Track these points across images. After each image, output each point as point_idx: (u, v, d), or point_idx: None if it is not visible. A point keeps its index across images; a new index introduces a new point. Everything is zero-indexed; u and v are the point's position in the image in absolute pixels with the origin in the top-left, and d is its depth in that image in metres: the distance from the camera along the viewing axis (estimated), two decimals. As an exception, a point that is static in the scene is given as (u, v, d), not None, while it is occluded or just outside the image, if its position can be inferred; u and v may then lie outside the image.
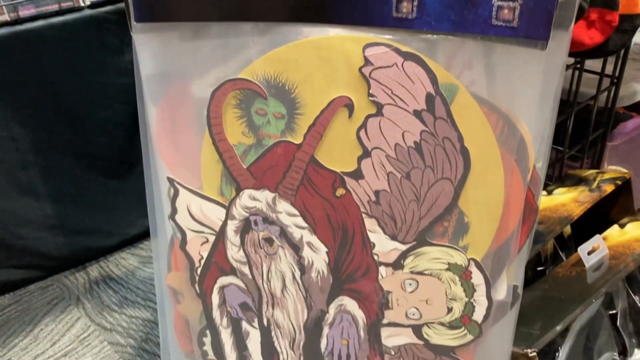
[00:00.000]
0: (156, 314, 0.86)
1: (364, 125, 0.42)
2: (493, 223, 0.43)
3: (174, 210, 0.48)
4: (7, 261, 0.93)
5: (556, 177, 0.86)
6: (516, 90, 0.40)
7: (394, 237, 0.45)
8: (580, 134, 0.85)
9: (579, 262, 0.66)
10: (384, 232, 0.45)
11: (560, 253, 0.72)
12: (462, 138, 0.41)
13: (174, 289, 0.53)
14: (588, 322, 0.62)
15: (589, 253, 0.64)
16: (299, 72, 0.41)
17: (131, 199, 0.99)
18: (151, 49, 0.44)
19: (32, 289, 0.95)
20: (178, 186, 0.47)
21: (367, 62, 0.40)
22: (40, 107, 0.87)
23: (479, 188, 0.42)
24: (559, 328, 0.54)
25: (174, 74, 0.44)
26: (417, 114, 0.40)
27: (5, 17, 0.81)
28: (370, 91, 0.40)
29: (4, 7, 0.81)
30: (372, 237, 0.45)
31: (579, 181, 0.77)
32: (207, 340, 0.53)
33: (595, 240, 0.65)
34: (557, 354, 0.59)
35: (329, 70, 0.41)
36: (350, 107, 0.41)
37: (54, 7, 0.85)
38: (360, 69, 0.40)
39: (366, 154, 0.42)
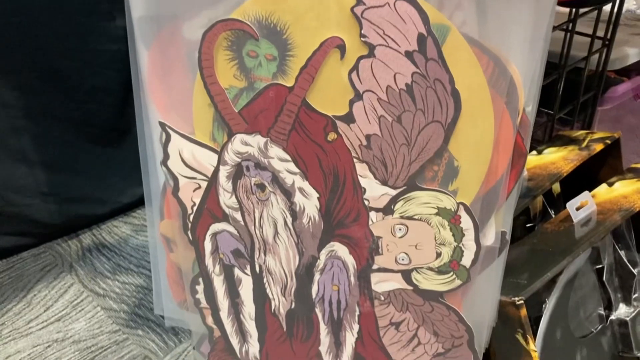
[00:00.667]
0: (149, 280, 0.88)
1: (355, 67, 0.42)
2: (482, 166, 0.44)
3: (166, 156, 0.48)
4: (0, 228, 0.92)
5: (546, 140, 0.86)
6: (507, 30, 0.40)
7: (384, 182, 0.45)
8: (570, 97, 0.85)
9: (568, 218, 0.66)
10: (375, 177, 0.45)
11: (549, 210, 0.72)
12: (453, 80, 0.41)
13: (166, 237, 0.53)
14: (574, 276, 0.63)
15: (578, 209, 0.65)
16: (290, 12, 0.41)
17: (124, 167, 0.99)
18: (142, -9, 0.44)
19: (24, 255, 0.95)
20: (170, 131, 0.47)
21: (359, 1, 0.40)
22: (30, 72, 0.86)
23: (469, 131, 0.43)
24: (546, 277, 0.55)
25: (165, 16, 0.44)
26: (409, 55, 0.40)
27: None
28: (362, 31, 0.40)
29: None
30: (363, 182, 0.46)
31: (568, 141, 0.77)
32: (200, 288, 0.54)
33: (584, 197, 0.66)
34: (544, 305, 0.60)
35: (321, 10, 0.41)
36: (342, 48, 0.41)
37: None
38: (352, 9, 0.40)
39: (358, 97, 0.42)
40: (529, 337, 0.54)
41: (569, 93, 0.84)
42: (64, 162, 0.94)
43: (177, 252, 0.53)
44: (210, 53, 0.43)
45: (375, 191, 0.46)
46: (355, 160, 0.45)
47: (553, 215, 0.71)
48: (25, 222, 0.94)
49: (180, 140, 0.47)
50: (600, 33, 0.81)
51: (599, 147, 0.73)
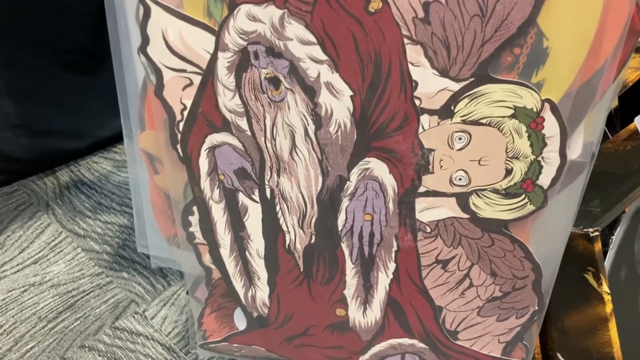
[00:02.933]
0: (133, 219, 0.80)
1: None
2: (581, 48, 0.32)
3: (145, 40, 0.35)
4: (-34, 164, 0.86)
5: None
6: None
7: (444, 72, 0.33)
8: None
9: (633, 135, 0.56)
10: (432, 65, 0.33)
11: (606, 129, 0.61)
12: None
13: (149, 154, 0.41)
14: (643, 204, 0.52)
15: (647, 125, 0.54)
16: None
17: (102, 97, 0.89)
18: None
19: None
20: (149, 2, 0.34)
21: None
22: None
23: (570, -4, 0.30)
24: (624, 204, 0.45)
25: None
26: None
27: None
28: None
29: None
30: (415, 72, 0.33)
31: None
32: (194, 219, 0.42)
33: (654, 111, 0.55)
34: (610, 239, 0.49)
35: None
36: None
37: None
38: None
39: (415, -56, 0.30)
40: (602, 276, 0.44)
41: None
42: (34, 91, 0.86)
43: (164, 174, 0.41)
44: None
45: (430, 86, 0.34)
46: (406, 40, 0.33)
47: (610, 136, 0.61)
48: (-4, 157, 0.87)
49: (164, 16, 0.34)
50: None
51: (665, 54, 0.61)
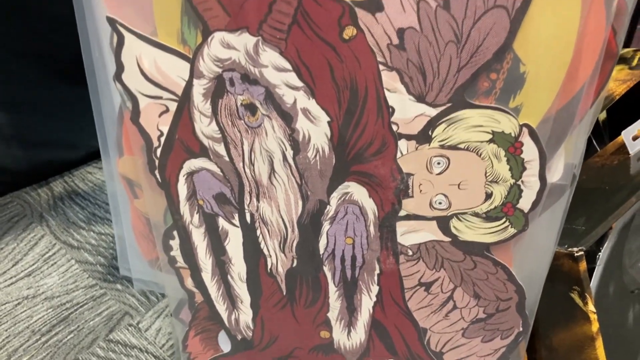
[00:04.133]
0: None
1: None
2: (558, 73, 0.32)
3: (120, 67, 0.35)
4: (-40, 177, 0.84)
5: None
6: None
7: (421, 98, 0.33)
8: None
9: (619, 150, 0.55)
10: (408, 91, 0.33)
11: (594, 142, 0.61)
12: (529, -57, 0.28)
13: (128, 179, 0.41)
14: (631, 219, 0.52)
15: (634, 138, 0.54)
16: None
17: None
18: None
19: None
20: (122, 30, 0.34)
21: None
22: None
23: (545, 21, 0.30)
24: (609, 222, 0.44)
25: None
26: None
27: None
28: None
29: None
30: (391, 98, 0.33)
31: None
32: (175, 243, 0.42)
33: (641, 124, 0.54)
34: (598, 255, 0.49)
35: None
36: None
37: None
38: None
39: (387, -28, 0.30)
40: (587, 295, 0.44)
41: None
42: (26, 102, 0.85)
43: (143, 199, 0.41)
44: None
45: (407, 111, 0.33)
46: (381, 67, 0.32)
47: (598, 148, 0.60)
48: (-13, 169, 0.86)
49: (138, 44, 0.34)
50: None
51: (652, 65, 0.61)
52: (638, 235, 0.52)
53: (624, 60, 0.64)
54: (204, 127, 0.36)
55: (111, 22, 0.33)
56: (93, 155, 0.95)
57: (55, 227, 0.82)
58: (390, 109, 0.34)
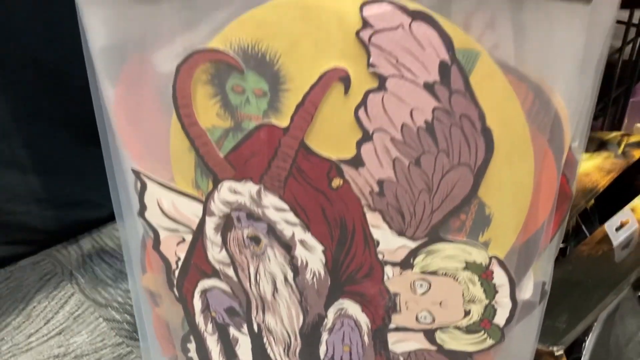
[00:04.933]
0: None
1: (363, 103, 0.34)
2: (519, 215, 0.36)
3: (143, 207, 0.41)
4: (-5, 238, 0.87)
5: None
6: (551, 55, 0.32)
7: (401, 233, 0.38)
8: (601, 91, 0.76)
9: (605, 238, 0.59)
10: (390, 228, 0.38)
11: (583, 228, 0.65)
12: (484, 115, 0.33)
13: (150, 291, 0.46)
14: (616, 308, 0.55)
15: (617, 229, 0.58)
16: (282, 38, 0.33)
17: None
18: (102, 16, 0.36)
19: (23, 264, 0.87)
20: (145, 179, 0.40)
21: (365, 24, 0.32)
22: (13, 70, 0.76)
23: (504, 174, 0.35)
24: (589, 320, 0.48)
25: (131, 45, 0.37)
26: (429, 87, 0.33)
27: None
28: (371, 60, 0.33)
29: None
30: (376, 233, 0.38)
31: (601, 145, 0.69)
32: (192, 346, 0.47)
33: (625, 215, 0.58)
34: (583, 344, 0.53)
35: (319, 36, 0.33)
36: (346, 80, 0.34)
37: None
38: (357, 33, 0.32)
39: (367, 137, 0.35)
40: (570, 391, 0.47)
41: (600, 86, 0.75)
42: (57, 166, 0.87)
43: (164, 308, 0.46)
44: (187, 89, 0.36)
45: (390, 243, 0.38)
46: (365, 208, 0.37)
47: (587, 234, 0.64)
48: (22, 229, 0.87)
49: (158, 189, 0.40)
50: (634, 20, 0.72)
51: (637, 153, 0.65)
52: (620, 325, 0.55)
53: (608, 145, 0.68)
54: (216, 254, 0.41)
55: (136, 173, 0.39)
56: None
57: (84, 284, 0.83)
58: (376, 242, 0.39)
